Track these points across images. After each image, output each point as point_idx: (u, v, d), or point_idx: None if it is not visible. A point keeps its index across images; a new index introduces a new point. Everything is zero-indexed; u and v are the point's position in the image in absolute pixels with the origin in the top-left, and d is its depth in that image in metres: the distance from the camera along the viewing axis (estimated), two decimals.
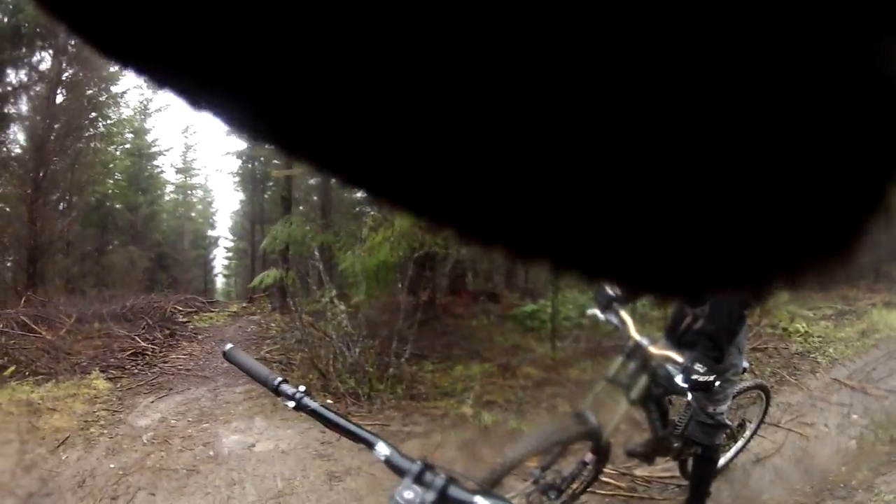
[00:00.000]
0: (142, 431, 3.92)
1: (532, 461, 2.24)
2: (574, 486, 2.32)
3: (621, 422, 2.28)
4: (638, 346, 2.20)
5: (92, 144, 9.63)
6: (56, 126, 9.46)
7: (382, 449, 0.98)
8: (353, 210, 8.36)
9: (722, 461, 2.81)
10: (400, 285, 5.58)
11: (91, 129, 9.73)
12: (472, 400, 4.39)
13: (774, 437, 3.59)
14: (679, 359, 2.09)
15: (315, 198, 8.65)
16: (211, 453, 3.54)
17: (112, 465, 3.38)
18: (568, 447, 2.26)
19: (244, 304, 8.76)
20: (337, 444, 3.69)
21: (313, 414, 1.05)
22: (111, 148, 9.82)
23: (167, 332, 6.62)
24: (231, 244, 10.54)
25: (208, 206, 10.44)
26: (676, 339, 2.41)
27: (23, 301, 6.99)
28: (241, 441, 3.72)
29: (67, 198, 9.10)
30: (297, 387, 1.09)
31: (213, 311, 8.29)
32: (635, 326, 2.27)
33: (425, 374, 5.16)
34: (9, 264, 9.19)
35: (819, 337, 6.01)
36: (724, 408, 2.36)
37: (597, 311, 2.40)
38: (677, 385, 2.10)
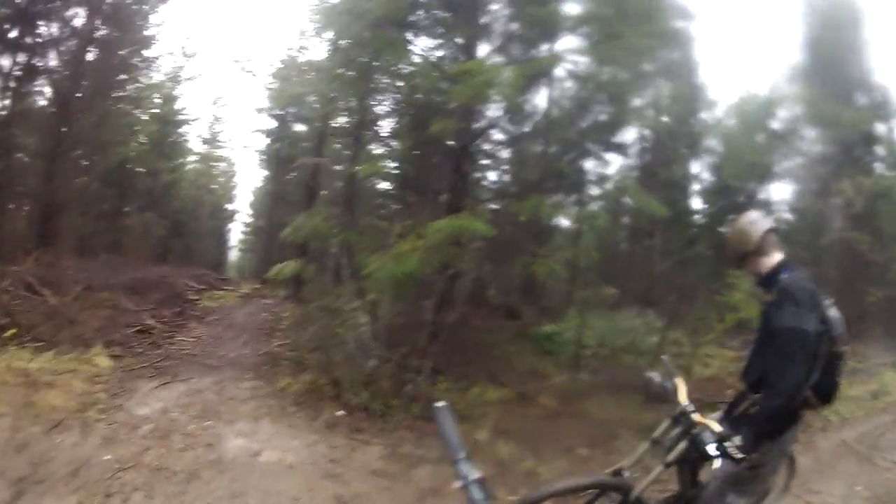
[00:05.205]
0: (141, 422, 3.73)
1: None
2: None
3: (654, 481, 2.38)
4: (684, 411, 2.37)
5: (119, 106, 9.51)
6: (84, 83, 9.26)
7: None
8: (375, 204, 8.07)
9: None
10: (427, 301, 5.39)
11: (120, 91, 9.60)
12: (488, 427, 4.17)
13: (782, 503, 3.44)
14: (718, 428, 2.20)
15: (339, 183, 8.37)
16: (213, 457, 3.34)
17: (108, 457, 3.17)
18: (601, 496, 2.44)
19: (256, 286, 8.56)
20: (346, 464, 3.48)
21: None
22: (138, 111, 9.75)
23: (176, 309, 6.42)
24: (249, 220, 10.48)
25: (229, 180, 10.37)
26: (733, 417, 2.49)
27: (31, 260, 6.79)
28: (245, 447, 3.52)
29: (89, 157, 8.92)
30: (473, 471, 1.04)
31: (223, 290, 8.08)
32: (685, 393, 2.46)
33: (441, 395, 4.86)
34: (21, 218, 8.97)
35: None
36: (742, 502, 2.39)
37: (656, 376, 2.69)
38: (706, 450, 2.16)
